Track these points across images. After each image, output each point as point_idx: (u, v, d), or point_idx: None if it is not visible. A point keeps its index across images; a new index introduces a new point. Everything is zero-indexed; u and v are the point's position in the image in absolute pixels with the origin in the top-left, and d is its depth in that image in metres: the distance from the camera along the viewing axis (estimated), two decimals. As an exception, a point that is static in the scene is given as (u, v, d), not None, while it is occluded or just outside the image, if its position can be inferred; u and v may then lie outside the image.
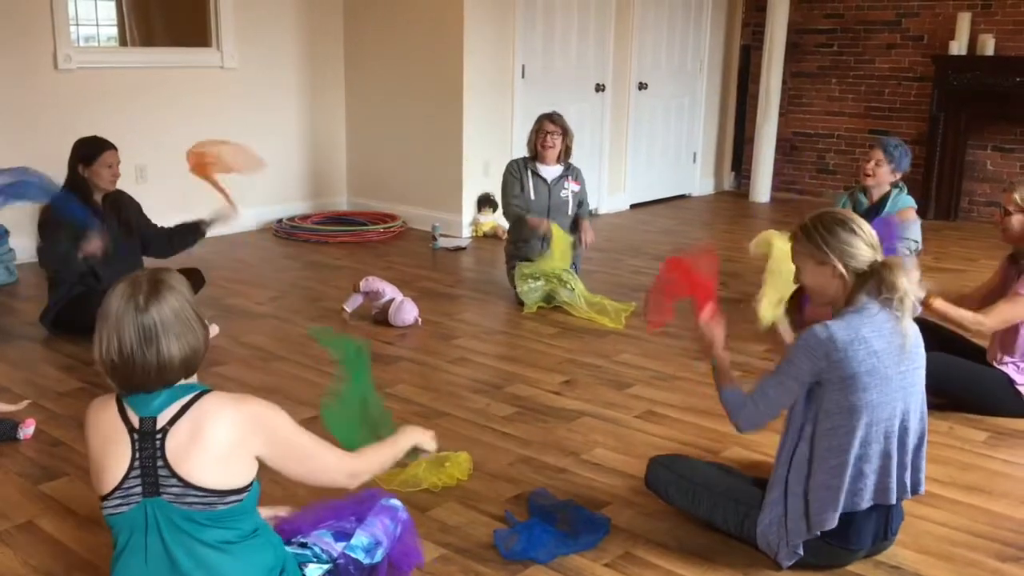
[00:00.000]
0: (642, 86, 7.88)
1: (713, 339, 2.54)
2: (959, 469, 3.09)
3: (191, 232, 4.51)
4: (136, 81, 6.11)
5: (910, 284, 2.32)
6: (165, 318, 1.81)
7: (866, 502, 2.36)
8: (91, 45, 8.05)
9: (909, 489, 2.45)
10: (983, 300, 3.57)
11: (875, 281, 2.33)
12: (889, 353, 2.31)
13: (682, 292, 2.62)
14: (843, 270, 2.35)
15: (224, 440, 1.84)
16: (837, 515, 2.33)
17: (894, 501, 2.40)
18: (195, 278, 4.65)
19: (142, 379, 1.82)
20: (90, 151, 4.22)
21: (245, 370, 3.88)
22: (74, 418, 3.38)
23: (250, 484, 1.90)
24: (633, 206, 8.13)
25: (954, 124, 7.60)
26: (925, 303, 3.39)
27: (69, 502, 2.77)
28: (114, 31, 8.35)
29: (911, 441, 2.41)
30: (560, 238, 4.83)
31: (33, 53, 5.60)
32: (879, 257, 2.37)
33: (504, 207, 5.14)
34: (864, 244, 2.35)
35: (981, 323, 3.41)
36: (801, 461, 2.37)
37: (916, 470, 2.46)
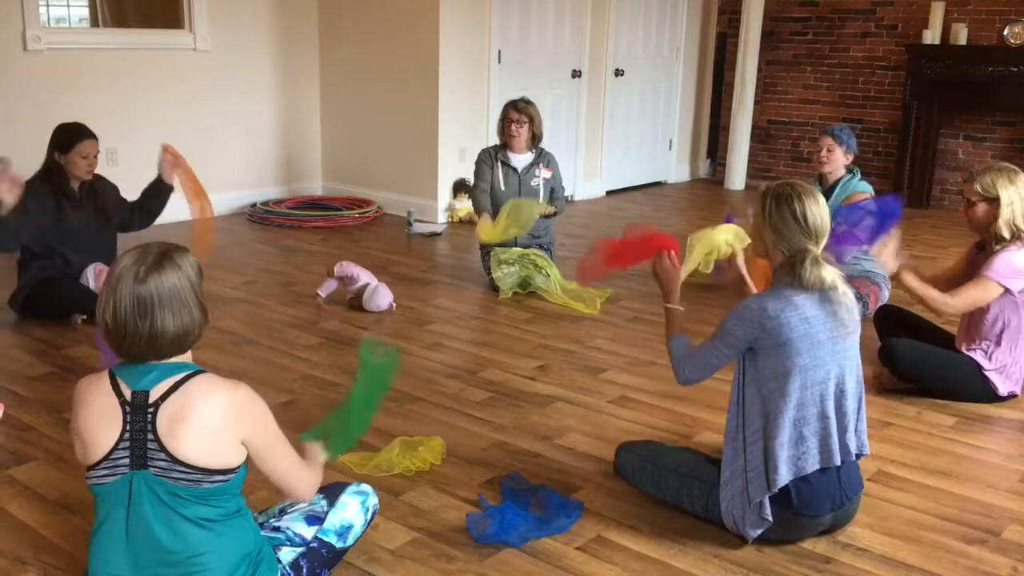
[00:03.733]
0: (618, 73, 7.88)
1: (670, 284, 2.67)
2: (927, 453, 3.13)
3: (160, 192, 4.43)
4: (107, 63, 6.04)
5: (833, 279, 2.40)
6: (162, 293, 1.85)
7: (811, 465, 2.42)
8: (62, 26, 7.94)
9: (854, 451, 2.51)
10: (948, 284, 3.61)
11: (793, 273, 2.40)
12: (820, 319, 2.40)
13: (638, 255, 2.77)
14: (772, 242, 2.45)
15: (212, 421, 1.87)
16: (781, 475, 2.37)
17: (839, 462, 2.46)
18: None
19: (132, 346, 1.87)
20: (67, 139, 4.16)
21: (218, 355, 3.85)
22: (44, 402, 3.35)
23: (237, 467, 1.93)
24: (609, 193, 8.14)
25: (927, 113, 7.66)
26: (897, 275, 3.45)
27: (38, 487, 2.74)
28: (86, 12, 8.22)
29: (849, 404, 2.48)
30: (518, 208, 4.68)
31: (1, 34, 5.51)
32: (815, 249, 2.41)
33: (471, 194, 5.14)
34: (800, 233, 2.40)
35: (948, 304, 3.46)
36: (750, 428, 2.44)
37: (859, 432, 2.53)
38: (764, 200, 2.47)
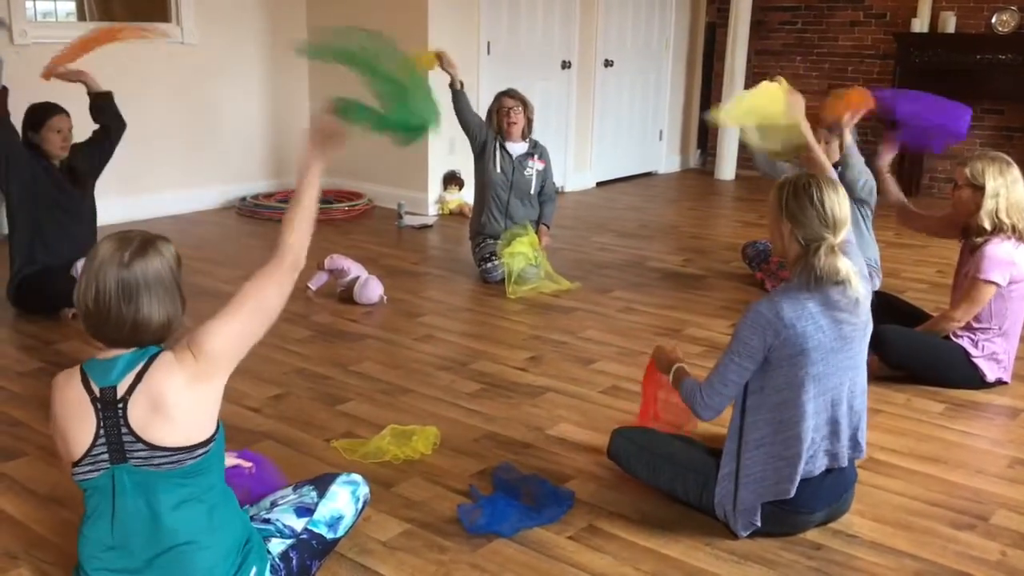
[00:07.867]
0: (608, 63, 7.87)
1: (667, 359, 2.70)
2: (916, 440, 3.15)
3: (99, 107, 4.43)
4: (94, 57, 5.97)
5: (848, 272, 2.33)
6: (148, 278, 1.85)
7: (819, 468, 2.42)
8: (48, 20, 7.89)
9: (856, 452, 2.52)
10: (938, 224, 3.80)
11: (808, 265, 2.33)
12: (833, 326, 2.35)
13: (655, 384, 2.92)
14: (789, 232, 2.39)
15: (186, 402, 1.86)
16: (795, 485, 2.37)
17: (845, 464, 2.46)
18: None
19: (114, 332, 1.85)
20: (38, 116, 4.19)
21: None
22: (34, 398, 3.34)
23: (215, 432, 1.93)
24: (599, 183, 8.13)
25: (916, 102, 7.66)
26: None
27: (28, 482, 2.74)
28: (72, 6, 8.18)
29: (858, 404, 2.48)
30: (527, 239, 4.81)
31: (-13, 28, 5.48)
32: (832, 239, 2.34)
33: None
34: (818, 221, 2.34)
35: (952, 322, 3.51)
36: (752, 434, 2.41)
37: (860, 431, 2.53)
38: (781, 190, 2.40)
